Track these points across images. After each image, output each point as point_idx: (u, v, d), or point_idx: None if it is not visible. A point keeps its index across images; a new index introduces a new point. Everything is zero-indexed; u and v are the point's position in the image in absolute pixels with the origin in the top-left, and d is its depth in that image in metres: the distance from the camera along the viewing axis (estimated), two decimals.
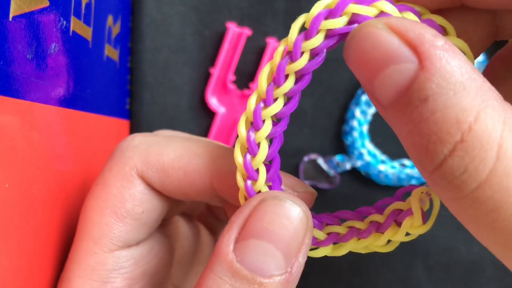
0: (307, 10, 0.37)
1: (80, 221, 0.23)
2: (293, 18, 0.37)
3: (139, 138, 0.24)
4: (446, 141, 0.14)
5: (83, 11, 0.26)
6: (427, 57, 0.15)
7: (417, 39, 0.15)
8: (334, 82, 0.37)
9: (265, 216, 0.18)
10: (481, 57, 0.35)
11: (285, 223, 0.18)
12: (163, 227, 0.26)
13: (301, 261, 0.18)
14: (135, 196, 0.23)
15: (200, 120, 0.38)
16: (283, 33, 0.37)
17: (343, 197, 0.38)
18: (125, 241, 0.23)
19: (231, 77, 0.37)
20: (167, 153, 0.23)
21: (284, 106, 0.19)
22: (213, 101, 0.38)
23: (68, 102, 0.24)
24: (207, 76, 0.38)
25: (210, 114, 0.38)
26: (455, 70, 0.15)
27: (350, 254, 0.38)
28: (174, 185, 0.23)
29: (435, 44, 0.15)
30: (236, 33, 0.37)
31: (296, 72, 0.19)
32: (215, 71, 0.37)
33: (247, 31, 0.37)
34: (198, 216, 0.30)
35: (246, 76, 0.38)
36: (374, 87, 0.16)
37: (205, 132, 0.38)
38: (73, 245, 0.23)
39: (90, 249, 0.22)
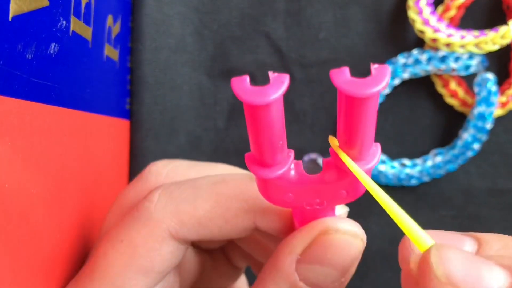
0: (308, 10, 0.37)
1: (97, 270, 0.23)
2: (294, 18, 0.37)
3: (164, 194, 0.23)
4: None
5: (83, 11, 0.26)
6: None
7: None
8: None
9: (329, 249, 0.20)
10: (479, 57, 0.35)
11: (347, 255, 0.21)
12: None
13: (352, 271, 0.21)
14: (165, 256, 0.23)
15: (200, 120, 0.38)
16: (284, 33, 0.37)
17: None
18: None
19: None
20: (201, 206, 0.23)
21: None
22: None
23: (68, 102, 0.24)
24: (207, 76, 0.38)
25: (210, 114, 0.38)
26: None
27: None
28: (214, 234, 0.23)
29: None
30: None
31: None
32: None
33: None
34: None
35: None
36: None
37: (205, 132, 0.38)
38: None
39: None
